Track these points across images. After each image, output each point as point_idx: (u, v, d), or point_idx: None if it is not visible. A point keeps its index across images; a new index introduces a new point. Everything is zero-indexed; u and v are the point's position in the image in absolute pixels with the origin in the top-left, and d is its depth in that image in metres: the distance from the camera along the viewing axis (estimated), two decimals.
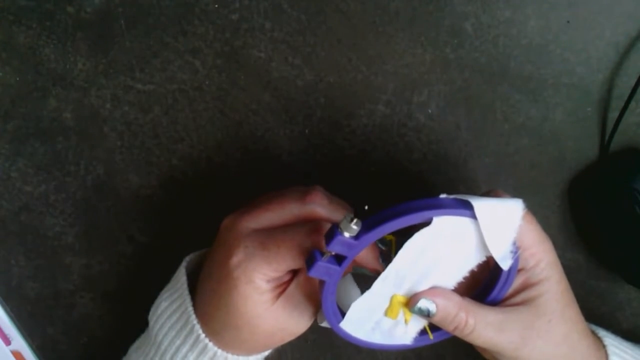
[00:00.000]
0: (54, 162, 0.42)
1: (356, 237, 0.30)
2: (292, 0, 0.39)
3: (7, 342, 0.45)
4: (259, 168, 0.42)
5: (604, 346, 0.36)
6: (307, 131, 0.42)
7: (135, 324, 0.46)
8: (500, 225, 0.31)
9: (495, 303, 0.34)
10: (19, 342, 0.45)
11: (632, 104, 0.39)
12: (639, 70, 0.39)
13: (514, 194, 0.42)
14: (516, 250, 0.31)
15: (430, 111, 0.41)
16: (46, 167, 0.43)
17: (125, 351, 0.41)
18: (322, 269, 0.30)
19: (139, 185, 0.43)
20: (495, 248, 0.31)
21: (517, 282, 0.34)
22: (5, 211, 0.43)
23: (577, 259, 0.43)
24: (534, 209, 0.35)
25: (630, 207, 0.39)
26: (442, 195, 0.31)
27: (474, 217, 0.30)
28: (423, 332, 0.35)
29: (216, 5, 0.40)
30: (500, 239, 0.31)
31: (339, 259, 0.31)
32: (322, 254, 0.30)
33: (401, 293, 0.33)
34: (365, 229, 0.30)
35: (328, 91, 0.41)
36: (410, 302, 0.33)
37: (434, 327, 0.35)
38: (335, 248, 0.30)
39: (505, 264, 0.32)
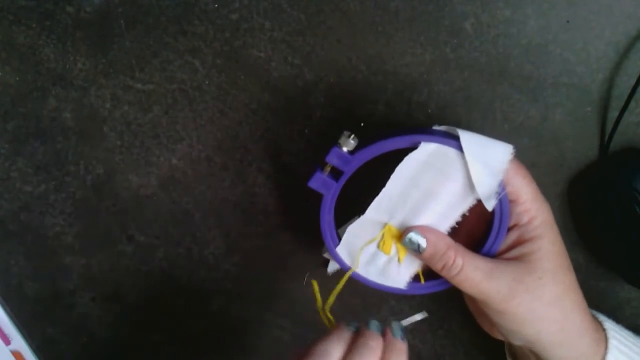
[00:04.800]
0: (54, 162, 0.42)
1: (352, 152, 0.33)
2: (292, 0, 0.39)
3: (7, 342, 0.45)
4: (259, 168, 0.42)
5: (604, 330, 0.36)
6: (307, 131, 0.42)
7: (135, 324, 0.46)
8: (486, 163, 0.32)
9: (490, 257, 0.35)
10: (19, 342, 0.45)
11: (632, 104, 0.39)
12: (639, 70, 0.39)
13: None
14: (502, 191, 0.32)
15: (430, 111, 0.41)
16: (46, 167, 0.43)
17: (125, 351, 0.41)
18: (320, 180, 0.34)
19: (139, 185, 0.43)
20: (480, 184, 0.32)
21: (511, 238, 0.34)
22: (5, 211, 0.43)
23: (577, 259, 0.43)
24: None
25: (630, 207, 0.39)
26: (435, 127, 0.34)
27: (460, 149, 0.32)
28: (417, 280, 0.37)
29: (216, 5, 0.40)
30: (486, 176, 0.32)
31: (337, 176, 0.34)
32: (323, 170, 0.34)
33: (393, 224, 0.35)
34: (362, 145, 0.33)
35: (328, 91, 0.41)
36: (402, 234, 0.34)
37: (428, 278, 0.36)
38: (332, 161, 0.33)
39: (489, 204, 0.33)
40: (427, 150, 0.32)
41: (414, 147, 0.32)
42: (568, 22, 0.39)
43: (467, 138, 0.32)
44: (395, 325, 0.34)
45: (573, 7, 0.39)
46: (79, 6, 0.40)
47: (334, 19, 0.40)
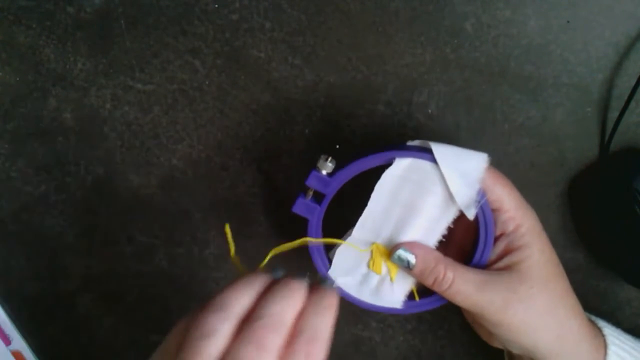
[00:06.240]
0: (54, 162, 0.42)
1: (331, 174, 0.34)
2: (292, 0, 0.39)
3: (7, 342, 0.45)
4: (259, 168, 0.42)
5: (603, 335, 0.36)
6: (307, 131, 0.42)
7: (135, 324, 0.46)
8: (462, 172, 0.32)
9: (480, 268, 0.35)
10: (19, 342, 0.45)
11: (632, 104, 0.39)
12: (639, 70, 0.39)
13: None
14: (481, 198, 0.33)
15: (430, 111, 0.41)
16: (46, 167, 0.43)
17: (125, 351, 0.41)
18: (303, 205, 0.35)
19: (139, 185, 0.43)
20: (458, 194, 0.33)
21: (500, 247, 0.34)
22: (5, 211, 0.43)
23: (577, 259, 0.43)
24: (534, 209, 0.35)
25: (630, 207, 0.39)
26: (409, 142, 0.34)
27: (434, 161, 0.32)
28: (411, 297, 0.36)
29: (216, 5, 0.40)
30: (463, 186, 0.32)
31: (319, 199, 0.35)
32: (306, 194, 0.35)
33: (380, 242, 0.35)
34: (339, 166, 0.34)
35: (328, 91, 0.41)
36: (390, 251, 0.34)
37: (422, 295, 0.36)
38: (312, 184, 0.34)
39: (470, 213, 0.33)
40: (402, 165, 0.33)
41: (390, 164, 0.33)
42: (568, 22, 0.39)
43: (440, 150, 0.32)
44: (328, 279, 0.29)
45: (573, 7, 0.39)
46: (79, 6, 0.40)
47: (334, 19, 0.40)
